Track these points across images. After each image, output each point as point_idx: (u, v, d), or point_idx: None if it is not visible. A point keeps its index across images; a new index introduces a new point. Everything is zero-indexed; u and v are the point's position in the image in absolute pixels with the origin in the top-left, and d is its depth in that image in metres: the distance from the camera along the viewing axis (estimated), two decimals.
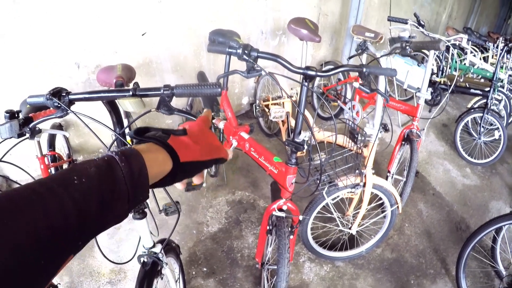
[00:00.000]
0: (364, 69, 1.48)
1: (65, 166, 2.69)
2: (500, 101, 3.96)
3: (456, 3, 6.93)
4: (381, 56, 2.42)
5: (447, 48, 4.32)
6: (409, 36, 2.71)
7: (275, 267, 1.78)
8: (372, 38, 3.14)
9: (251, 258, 2.49)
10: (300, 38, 3.21)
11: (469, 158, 3.85)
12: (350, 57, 3.75)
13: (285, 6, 3.81)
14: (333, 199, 2.20)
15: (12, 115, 1.23)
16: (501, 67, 4.02)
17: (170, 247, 1.77)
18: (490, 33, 6.48)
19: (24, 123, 1.25)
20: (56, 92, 0.99)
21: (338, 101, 3.76)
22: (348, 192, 2.20)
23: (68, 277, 2.29)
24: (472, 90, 3.76)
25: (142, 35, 2.86)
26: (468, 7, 7.64)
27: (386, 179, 2.92)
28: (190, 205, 2.88)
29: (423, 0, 6.05)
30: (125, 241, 2.51)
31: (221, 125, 2.25)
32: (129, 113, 2.50)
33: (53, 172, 2.35)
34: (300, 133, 1.62)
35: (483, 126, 3.77)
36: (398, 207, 2.33)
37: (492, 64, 4.63)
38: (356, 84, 1.64)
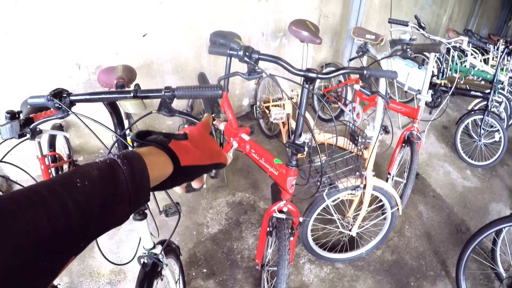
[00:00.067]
0: (365, 72, 1.48)
1: (65, 166, 2.69)
2: (500, 103, 3.96)
3: (456, 5, 6.93)
4: (382, 59, 2.42)
5: (448, 50, 4.32)
6: (410, 39, 2.71)
7: (275, 268, 1.78)
8: (372, 40, 3.14)
9: (251, 260, 2.49)
10: (301, 40, 3.21)
11: (469, 160, 3.85)
12: (350, 59, 3.76)
13: (286, 8, 3.81)
14: (333, 201, 2.20)
15: (13, 115, 1.23)
16: (502, 69, 4.02)
17: (170, 248, 1.77)
18: (490, 35, 6.47)
19: (24, 123, 1.24)
20: (57, 93, 0.99)
21: (339, 103, 3.76)
22: (348, 194, 2.20)
23: (68, 277, 2.29)
24: (472, 92, 3.76)
25: (143, 36, 2.87)
26: (468, 9, 7.64)
27: (387, 181, 2.92)
28: (190, 206, 2.88)
29: (424, 2, 6.05)
30: (125, 242, 2.51)
31: (221, 126, 2.26)
32: (130, 114, 2.50)
33: (53, 172, 2.35)
34: (300, 135, 1.62)
35: (483, 128, 3.77)
36: (398, 209, 2.33)
37: (492, 66, 4.63)
38: (357, 87, 1.64)
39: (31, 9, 2.34)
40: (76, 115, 0.97)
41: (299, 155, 1.66)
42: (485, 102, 3.67)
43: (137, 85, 1.07)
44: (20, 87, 2.51)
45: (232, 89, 3.87)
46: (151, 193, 0.54)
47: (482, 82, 4.18)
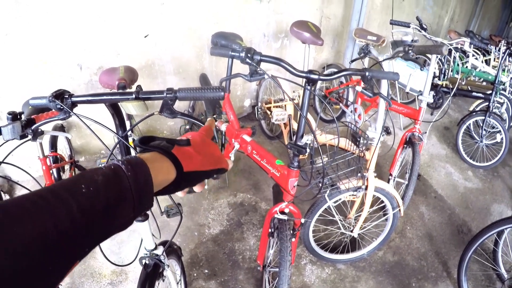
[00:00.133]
0: (367, 73, 1.48)
1: (67, 167, 2.69)
2: (502, 104, 3.95)
3: (458, 6, 6.92)
4: (384, 60, 2.42)
5: (449, 51, 4.31)
6: (412, 40, 2.70)
7: (277, 269, 1.78)
8: (374, 41, 3.14)
9: (253, 261, 2.49)
10: (302, 41, 3.21)
11: (471, 161, 3.85)
12: (352, 61, 3.75)
13: (287, 9, 3.82)
14: (335, 202, 2.20)
15: (14, 116, 1.23)
16: (503, 70, 4.02)
17: (171, 249, 1.77)
18: (492, 36, 6.45)
19: (26, 124, 1.25)
20: (58, 94, 0.99)
21: (340, 104, 3.76)
22: (350, 195, 2.20)
23: (69, 278, 2.29)
24: (474, 93, 3.76)
25: (145, 37, 2.87)
26: (470, 10, 7.63)
27: (388, 182, 2.92)
28: (191, 207, 2.88)
29: (425, 3, 6.04)
30: (126, 243, 2.51)
31: (223, 127, 2.26)
32: (132, 116, 2.50)
33: (55, 173, 2.35)
34: (302, 136, 1.62)
35: (485, 129, 3.77)
36: (400, 210, 2.32)
37: (494, 67, 4.62)
38: (359, 88, 1.64)
39: (32, 9, 2.35)
40: (78, 116, 0.97)
41: (301, 156, 1.66)
42: (487, 103, 3.66)
43: (139, 87, 1.07)
44: (22, 87, 2.52)
45: (234, 90, 3.87)
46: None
47: (484, 83, 4.17)
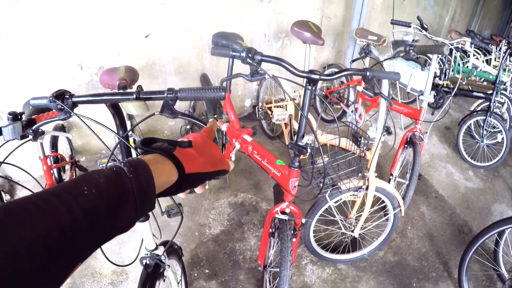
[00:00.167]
0: (368, 73, 1.48)
1: (67, 167, 2.70)
2: (503, 104, 3.95)
3: (458, 6, 6.92)
4: (385, 60, 2.41)
5: (450, 51, 4.31)
6: (413, 40, 2.70)
7: (278, 269, 1.78)
8: (375, 41, 3.13)
9: (253, 261, 2.49)
10: (303, 41, 3.21)
11: (471, 161, 3.84)
12: (353, 60, 3.75)
13: (288, 8, 3.81)
14: (335, 202, 2.20)
15: (15, 117, 1.23)
16: (504, 70, 4.01)
17: (172, 249, 1.77)
18: (492, 36, 6.45)
19: (27, 125, 1.24)
20: (59, 94, 0.99)
21: (341, 104, 3.76)
22: (351, 195, 2.19)
23: (70, 278, 2.29)
24: (475, 93, 3.76)
25: (145, 37, 2.87)
26: (470, 10, 7.63)
27: (389, 182, 2.91)
28: (192, 207, 2.88)
29: (426, 3, 6.04)
30: (127, 243, 2.51)
31: (224, 127, 2.25)
32: (132, 116, 2.50)
33: (55, 173, 2.36)
34: (303, 136, 1.62)
35: (485, 129, 3.77)
36: (400, 210, 2.32)
37: (495, 66, 4.62)
38: (360, 88, 1.65)
39: (32, 9, 2.35)
40: (78, 116, 0.97)
41: (302, 156, 1.66)
42: (488, 103, 3.66)
43: (140, 87, 1.07)
44: (22, 87, 2.52)
45: (234, 90, 3.87)
46: None
47: (485, 83, 4.17)
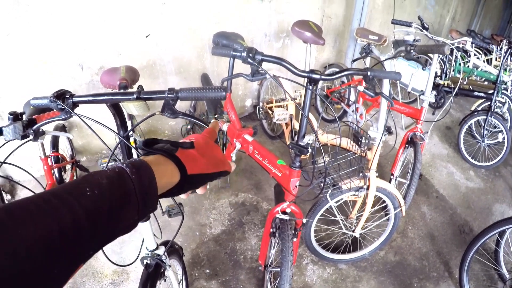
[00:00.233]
0: (369, 73, 1.48)
1: (68, 167, 2.70)
2: (503, 103, 3.94)
3: (459, 6, 6.91)
4: (386, 60, 2.41)
5: (451, 50, 4.31)
6: (414, 40, 2.70)
7: (278, 269, 1.78)
8: (375, 41, 3.13)
9: (254, 260, 2.49)
10: (304, 41, 3.21)
11: (472, 160, 3.84)
12: (354, 60, 3.75)
13: (288, 8, 3.81)
14: (336, 202, 2.20)
15: (15, 117, 1.24)
16: (505, 70, 4.01)
17: (173, 249, 1.77)
18: (493, 36, 6.45)
19: (27, 125, 1.25)
20: (60, 95, 0.99)
21: (342, 104, 3.75)
22: (351, 195, 2.19)
23: (71, 278, 2.29)
24: (475, 93, 3.75)
25: (146, 37, 2.87)
26: (471, 10, 7.62)
27: (390, 182, 2.91)
28: (193, 207, 2.88)
29: (427, 2, 6.03)
30: (128, 243, 2.51)
31: (224, 127, 2.25)
32: (133, 116, 2.50)
33: (56, 173, 2.36)
34: (304, 136, 1.62)
35: (486, 129, 3.76)
36: (401, 210, 2.32)
37: (495, 66, 4.61)
38: (361, 88, 1.64)
39: (32, 9, 2.35)
40: (79, 116, 0.97)
41: (303, 156, 1.65)
42: (489, 103, 3.65)
43: (140, 87, 1.07)
44: (22, 88, 2.52)
45: (235, 89, 3.87)
46: None
47: (486, 83, 4.16)
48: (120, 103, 1.22)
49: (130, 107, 1.08)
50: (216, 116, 2.82)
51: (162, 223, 2.58)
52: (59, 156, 2.46)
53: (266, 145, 3.60)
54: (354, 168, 2.00)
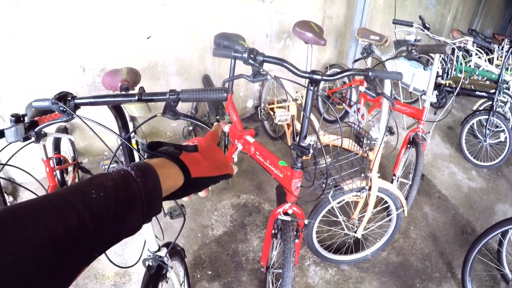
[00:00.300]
0: (370, 73, 1.48)
1: (70, 168, 2.70)
2: (505, 103, 3.93)
3: (460, 5, 6.90)
4: (387, 60, 2.41)
5: (452, 50, 4.30)
6: (415, 39, 2.69)
7: (280, 270, 1.77)
8: (377, 41, 3.13)
9: (256, 262, 2.49)
10: (305, 41, 3.21)
11: (474, 160, 3.83)
12: (355, 61, 3.74)
13: (289, 9, 3.81)
14: (338, 203, 2.19)
15: (17, 119, 1.23)
16: (507, 69, 4.00)
17: (175, 251, 1.77)
18: (495, 35, 6.45)
19: (29, 127, 1.25)
20: (61, 97, 0.99)
21: (343, 104, 3.75)
22: (353, 196, 2.19)
23: (75, 280, 2.29)
24: (477, 92, 3.74)
25: (147, 38, 2.88)
26: (472, 9, 7.61)
27: (392, 182, 2.91)
28: (195, 208, 2.88)
29: (428, 2, 6.03)
30: (129, 244, 2.51)
31: (226, 128, 2.25)
32: (135, 117, 2.50)
33: (58, 174, 2.36)
34: (305, 137, 1.62)
35: (488, 129, 3.75)
36: (403, 210, 2.32)
37: (497, 65, 4.60)
38: (362, 88, 1.64)
39: (34, 13, 2.35)
40: (80, 118, 0.97)
41: (304, 157, 1.65)
42: (490, 102, 3.64)
43: (142, 88, 1.07)
44: (23, 88, 2.52)
45: (237, 91, 3.87)
46: None
47: (487, 82, 4.15)
48: (122, 105, 1.22)
49: (131, 109, 1.08)
50: (217, 117, 2.82)
51: (164, 225, 2.58)
52: (61, 158, 2.47)
53: (267, 146, 3.60)
54: (356, 169, 2.00)
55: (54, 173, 2.24)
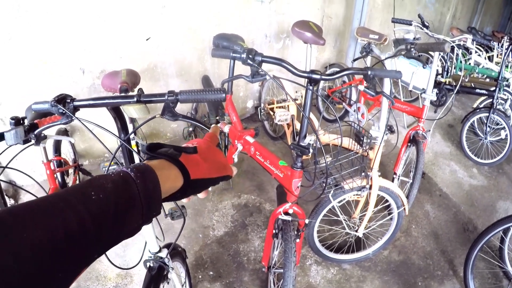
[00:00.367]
0: (369, 72, 1.48)
1: (70, 171, 2.70)
2: (506, 100, 3.92)
3: (460, 3, 6.90)
4: (386, 58, 2.41)
5: (452, 48, 4.30)
6: (414, 38, 2.69)
7: (282, 270, 1.77)
8: (376, 39, 3.13)
9: (258, 262, 2.49)
10: (304, 41, 3.21)
11: (475, 158, 3.83)
12: (354, 60, 3.75)
13: (288, 9, 3.81)
14: (339, 202, 2.19)
15: (17, 121, 1.24)
16: (506, 66, 3.99)
17: (176, 252, 1.77)
18: (494, 32, 6.44)
19: (29, 129, 1.25)
20: (61, 99, 1.00)
21: (343, 104, 3.75)
22: (354, 195, 2.19)
23: (75, 281, 2.29)
24: (477, 90, 3.74)
25: (147, 40, 2.88)
26: (472, 7, 7.61)
27: (392, 181, 2.90)
28: (196, 209, 2.88)
29: (427, 1, 6.03)
30: (131, 246, 2.51)
31: (226, 129, 2.25)
32: (134, 119, 2.51)
33: (59, 177, 2.36)
34: (305, 137, 1.61)
35: (489, 126, 3.75)
36: (404, 209, 2.31)
37: (497, 63, 4.59)
38: (361, 87, 1.64)
39: (34, 13, 2.35)
40: (80, 120, 0.98)
41: (304, 157, 1.65)
42: (491, 100, 3.64)
43: (140, 90, 1.07)
44: (23, 88, 2.53)
45: (236, 91, 3.87)
46: None
47: (487, 80, 4.15)
48: (121, 107, 1.22)
49: (130, 111, 1.09)
50: (217, 118, 2.82)
51: (166, 226, 2.58)
52: (62, 160, 2.47)
53: (268, 146, 3.60)
54: (356, 168, 2.00)
55: (55, 175, 2.25)
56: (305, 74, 1.44)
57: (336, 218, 2.31)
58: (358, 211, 2.39)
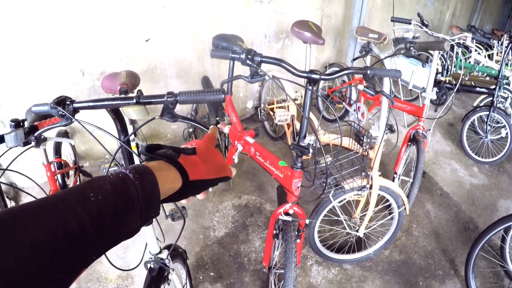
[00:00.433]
0: (369, 71, 1.47)
1: (71, 172, 2.70)
2: (506, 98, 3.92)
3: (459, 2, 6.90)
4: (386, 58, 2.41)
5: (452, 46, 4.30)
6: (413, 37, 2.69)
7: (282, 271, 1.77)
8: (375, 39, 3.13)
9: (258, 262, 2.48)
10: (303, 41, 3.21)
11: (476, 157, 3.83)
12: (354, 59, 3.75)
13: (288, 9, 3.81)
14: (339, 202, 2.19)
15: (17, 124, 1.24)
16: (506, 64, 4.00)
17: (176, 253, 1.77)
18: (494, 31, 6.44)
19: (29, 131, 1.25)
20: (60, 101, 1.00)
21: (343, 103, 3.75)
22: (354, 195, 2.19)
23: (76, 283, 2.29)
24: (477, 89, 3.73)
25: (146, 41, 2.88)
26: (471, 5, 7.61)
27: (393, 180, 2.90)
28: (196, 210, 2.88)
29: None
30: (131, 247, 2.51)
31: (226, 129, 2.25)
32: (134, 120, 2.51)
33: (59, 179, 2.36)
34: (305, 137, 1.61)
35: (489, 125, 3.74)
36: (405, 208, 2.31)
37: (497, 61, 4.60)
38: (361, 87, 1.63)
39: (34, 13, 2.35)
40: (79, 122, 0.98)
41: (304, 157, 1.65)
42: (491, 98, 3.63)
43: (140, 91, 1.07)
44: (23, 88, 2.52)
45: (236, 91, 3.87)
46: None
47: (487, 78, 4.15)
48: (120, 108, 1.22)
49: (129, 112, 1.08)
50: (217, 118, 2.82)
51: (166, 227, 2.59)
52: (62, 162, 2.47)
53: (268, 147, 3.60)
54: (357, 168, 1.99)
55: (55, 177, 2.25)
56: (305, 74, 1.44)
57: (336, 218, 2.31)
58: (359, 211, 2.38)
